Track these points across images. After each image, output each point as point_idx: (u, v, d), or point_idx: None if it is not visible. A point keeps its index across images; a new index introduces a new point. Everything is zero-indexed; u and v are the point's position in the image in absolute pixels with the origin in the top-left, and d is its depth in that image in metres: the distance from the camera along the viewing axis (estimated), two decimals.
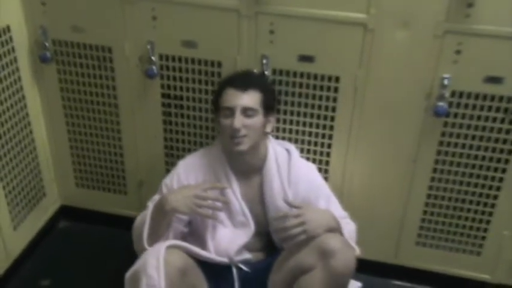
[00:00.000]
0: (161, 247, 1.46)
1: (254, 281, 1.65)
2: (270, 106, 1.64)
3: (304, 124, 1.84)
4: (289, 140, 1.87)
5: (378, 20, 1.62)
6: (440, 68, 1.64)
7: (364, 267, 1.99)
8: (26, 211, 2.04)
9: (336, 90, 1.75)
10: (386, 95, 1.73)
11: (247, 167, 1.67)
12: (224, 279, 1.65)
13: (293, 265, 1.55)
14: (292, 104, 1.81)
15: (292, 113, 1.83)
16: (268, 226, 1.71)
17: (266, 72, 1.74)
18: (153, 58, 1.82)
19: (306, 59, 1.73)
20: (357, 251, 1.56)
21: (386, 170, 1.85)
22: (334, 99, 1.77)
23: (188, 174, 1.69)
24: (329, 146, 1.86)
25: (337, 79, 1.74)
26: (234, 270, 1.66)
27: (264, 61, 1.74)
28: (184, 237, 1.71)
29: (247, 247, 1.69)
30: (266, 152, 1.68)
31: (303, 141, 1.87)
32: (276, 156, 1.68)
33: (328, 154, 1.87)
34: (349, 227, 1.65)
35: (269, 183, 1.67)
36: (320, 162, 1.89)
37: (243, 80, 1.61)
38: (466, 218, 1.87)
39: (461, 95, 1.68)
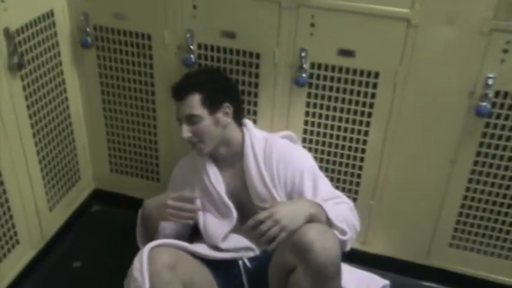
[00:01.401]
0: (145, 249, 1.50)
1: (262, 273, 1.61)
2: (213, 102, 1.62)
3: (340, 119, 1.82)
4: (324, 135, 1.86)
5: (422, 15, 1.58)
6: (485, 67, 1.60)
7: (394, 266, 1.99)
8: (62, 193, 2.08)
9: (374, 86, 1.73)
10: (426, 93, 1.69)
11: (228, 158, 1.71)
12: (231, 272, 1.67)
13: (278, 264, 1.52)
14: (329, 98, 1.79)
15: (328, 108, 1.81)
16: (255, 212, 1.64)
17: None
18: (191, 47, 1.82)
19: (346, 53, 1.70)
20: (348, 234, 1.49)
21: (422, 169, 1.81)
22: (373, 95, 1.74)
23: (183, 173, 1.80)
24: (364, 142, 1.83)
25: (376, 75, 1.71)
26: (240, 263, 1.67)
27: (303, 54, 1.72)
28: (192, 230, 1.80)
29: (251, 237, 1.67)
30: (243, 140, 1.69)
31: (338, 137, 1.85)
32: (252, 142, 1.68)
33: (363, 151, 1.85)
34: (340, 208, 1.57)
35: (247, 169, 1.67)
36: (355, 158, 1.87)
37: (178, 89, 1.65)
38: (503, 222, 1.82)
39: (506, 95, 1.63)
